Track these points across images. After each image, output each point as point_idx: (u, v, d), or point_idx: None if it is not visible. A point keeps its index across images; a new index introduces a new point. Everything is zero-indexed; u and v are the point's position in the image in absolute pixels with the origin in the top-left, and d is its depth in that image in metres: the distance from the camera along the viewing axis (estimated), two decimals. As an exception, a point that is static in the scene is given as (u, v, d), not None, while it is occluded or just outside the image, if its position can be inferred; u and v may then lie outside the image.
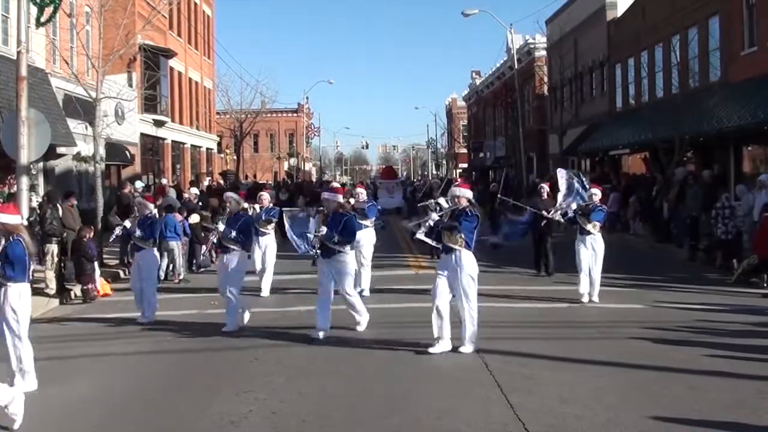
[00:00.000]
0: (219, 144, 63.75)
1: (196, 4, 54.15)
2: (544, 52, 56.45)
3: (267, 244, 17.58)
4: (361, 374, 10.42)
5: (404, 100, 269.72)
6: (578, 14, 47.21)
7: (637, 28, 38.37)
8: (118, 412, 9.05)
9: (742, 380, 9.73)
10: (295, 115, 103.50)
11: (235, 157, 62.53)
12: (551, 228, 19.18)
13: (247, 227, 13.83)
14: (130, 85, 36.96)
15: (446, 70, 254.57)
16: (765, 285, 17.02)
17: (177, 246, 20.23)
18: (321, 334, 12.44)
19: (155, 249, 15.32)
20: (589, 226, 15.67)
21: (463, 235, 11.35)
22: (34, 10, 19.10)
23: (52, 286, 17.69)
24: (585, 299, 15.61)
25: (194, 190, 29.19)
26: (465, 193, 11.75)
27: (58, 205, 19.02)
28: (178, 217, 21.02)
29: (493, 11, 59.38)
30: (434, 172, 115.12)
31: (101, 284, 18.02)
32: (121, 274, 20.78)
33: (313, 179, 77.15)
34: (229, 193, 14.82)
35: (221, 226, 13.72)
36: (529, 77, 58.69)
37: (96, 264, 18.04)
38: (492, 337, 12.03)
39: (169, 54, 44.51)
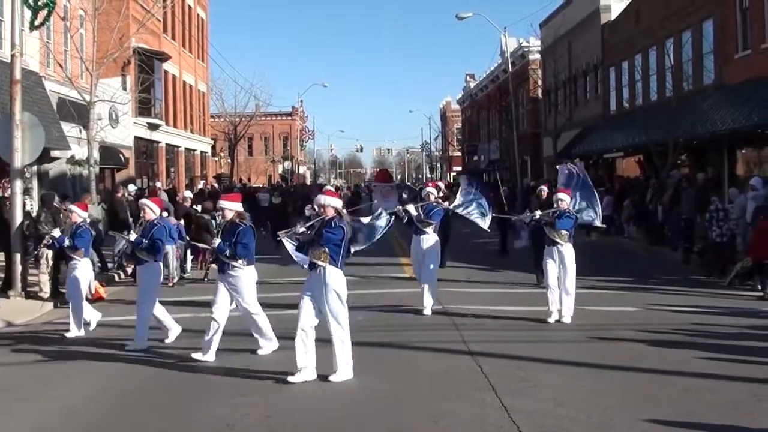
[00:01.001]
0: (213, 147, 63.73)
1: (190, 7, 54.15)
2: (538, 56, 56.56)
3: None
4: (355, 377, 10.40)
5: (399, 104, 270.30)
6: (572, 17, 47.27)
7: (631, 31, 38.46)
8: (111, 416, 9.03)
9: (736, 382, 9.74)
10: (289, 118, 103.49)
11: (229, 161, 62.57)
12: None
13: (159, 237, 12.70)
14: (124, 89, 36.97)
15: (440, 73, 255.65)
16: (759, 287, 17.02)
17: (171, 250, 20.19)
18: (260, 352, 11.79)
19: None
20: (555, 236, 14.01)
21: (327, 250, 10.21)
22: (28, 13, 19.09)
23: (46, 290, 17.66)
24: (551, 318, 13.90)
25: (188, 194, 29.19)
26: (331, 202, 10.53)
27: (52, 208, 18.96)
28: (173, 220, 20.98)
29: (488, 14, 59.44)
30: (429, 175, 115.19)
31: (96, 288, 17.98)
32: (116, 278, 20.75)
33: (308, 182, 77.17)
34: (144, 200, 13.81)
35: (133, 236, 12.85)
36: (524, 80, 58.80)
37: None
38: (486, 340, 12.03)
39: (163, 57, 44.49)
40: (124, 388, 10.20)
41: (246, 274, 11.67)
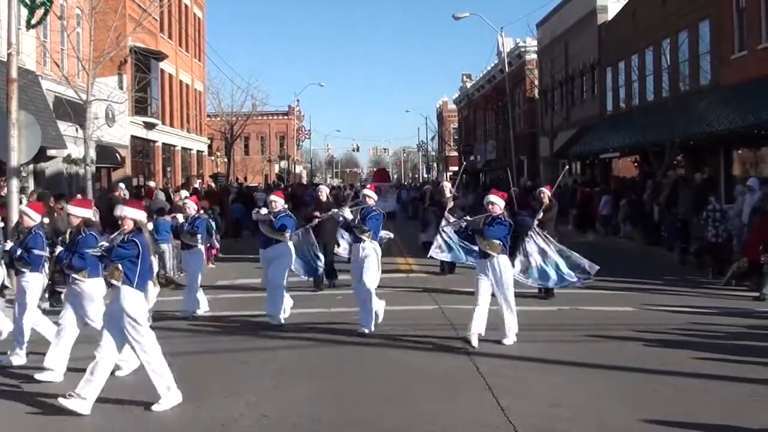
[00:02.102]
0: (210, 147, 63.66)
1: (186, 6, 54.07)
2: (534, 56, 56.59)
3: (190, 258, 15.86)
4: (352, 377, 10.41)
5: (395, 103, 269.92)
6: (569, 18, 47.30)
7: (628, 31, 38.49)
8: (107, 415, 9.01)
9: (732, 383, 9.75)
10: (285, 117, 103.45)
11: (225, 160, 62.47)
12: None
13: (33, 246, 11.46)
14: (121, 88, 36.88)
15: (437, 73, 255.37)
16: (755, 288, 17.03)
17: (168, 248, 20.19)
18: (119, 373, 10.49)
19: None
20: (486, 246, 12.26)
21: (120, 267, 9.20)
22: (24, 12, 19.07)
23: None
24: (475, 341, 11.85)
25: (184, 193, 29.16)
26: (130, 214, 9.39)
27: (49, 207, 18.94)
28: (169, 218, 20.98)
29: (484, 14, 59.27)
30: (425, 175, 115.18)
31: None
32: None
33: (304, 182, 77.11)
34: (22, 207, 13.05)
35: (9, 244, 11.69)
36: (520, 80, 58.81)
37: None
38: (483, 340, 12.02)
39: (159, 56, 44.43)
40: (118, 387, 10.17)
41: (89, 287, 10.41)
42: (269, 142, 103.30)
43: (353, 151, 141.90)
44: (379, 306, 13.51)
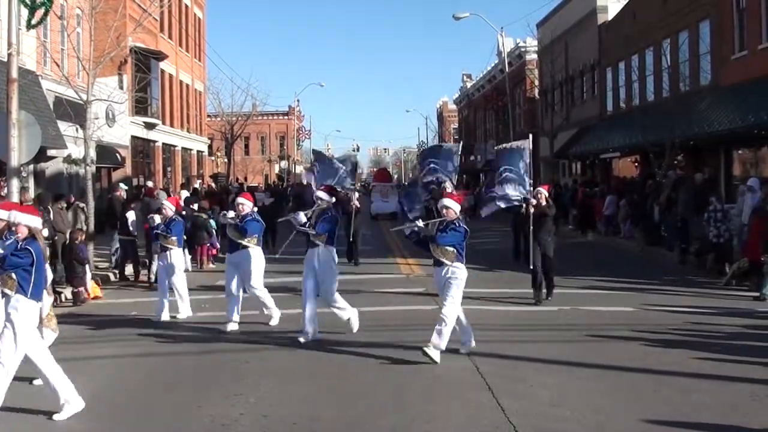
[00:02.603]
0: (210, 147, 63.71)
1: (187, 6, 54.11)
2: (535, 56, 56.59)
3: (169, 261, 15.29)
4: (352, 377, 10.41)
5: (395, 103, 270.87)
6: (569, 18, 47.30)
7: (628, 31, 38.49)
8: (107, 415, 9.02)
9: (732, 383, 9.75)
10: (286, 117, 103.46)
11: (225, 160, 62.48)
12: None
13: None
14: (121, 88, 36.88)
15: (437, 73, 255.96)
16: (755, 288, 17.02)
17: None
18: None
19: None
20: (438, 254, 11.28)
21: (14, 276, 8.61)
22: (24, 12, 19.05)
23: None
24: (436, 354, 10.89)
25: (184, 193, 29.19)
26: (23, 220, 8.83)
27: (48, 207, 18.95)
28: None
29: (485, 14, 59.31)
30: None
31: (92, 287, 17.99)
32: (111, 277, 20.74)
33: (304, 182, 77.02)
34: None
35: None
36: (520, 80, 58.81)
37: (87, 267, 18.00)
38: (483, 340, 12.03)
39: (160, 56, 44.46)
40: (119, 387, 10.19)
41: (24, 309, 8.72)
42: (269, 142, 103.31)
43: (353, 151, 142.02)
44: (352, 314, 13.09)
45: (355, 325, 13.04)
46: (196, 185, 42.83)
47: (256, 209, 14.89)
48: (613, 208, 30.21)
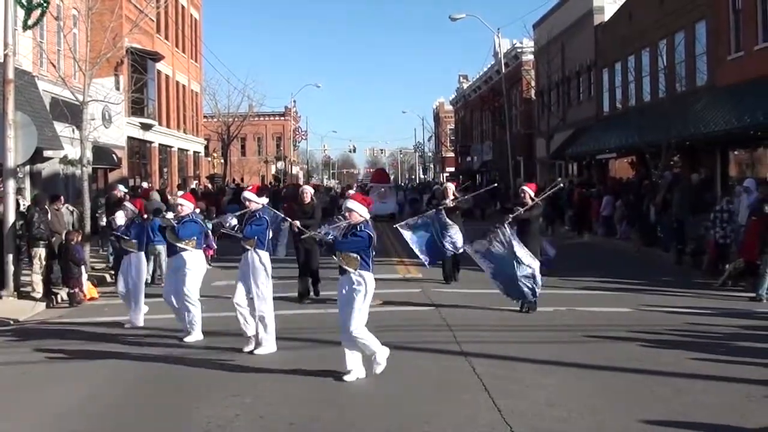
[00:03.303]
0: (206, 147, 63.69)
1: (183, 7, 54.10)
2: (531, 57, 56.66)
3: (130, 264, 14.68)
4: (348, 377, 10.40)
5: (392, 104, 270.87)
6: (565, 19, 47.36)
7: (624, 32, 38.52)
8: (103, 416, 9.01)
9: (729, 383, 9.76)
10: (282, 118, 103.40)
11: (222, 161, 62.51)
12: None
13: None
14: (118, 89, 36.90)
15: (434, 74, 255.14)
16: (751, 288, 17.03)
17: (164, 250, 20.16)
18: None
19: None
20: (342, 261, 10.34)
21: None
22: (21, 12, 19.06)
23: (39, 290, 17.63)
24: (358, 372, 10.30)
25: (180, 194, 29.10)
26: None
27: (45, 208, 18.95)
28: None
29: (481, 15, 59.46)
30: (422, 176, 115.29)
31: (88, 288, 17.98)
32: (108, 278, 20.72)
33: (300, 182, 76.97)
34: None
35: None
36: (517, 81, 58.86)
37: (83, 268, 17.98)
38: (480, 341, 12.04)
39: (156, 57, 44.44)
40: (115, 388, 10.18)
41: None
42: (266, 143, 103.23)
43: (350, 152, 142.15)
44: (269, 337, 12.03)
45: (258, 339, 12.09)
46: (193, 186, 42.80)
47: (197, 210, 14.20)
48: (611, 209, 30.23)
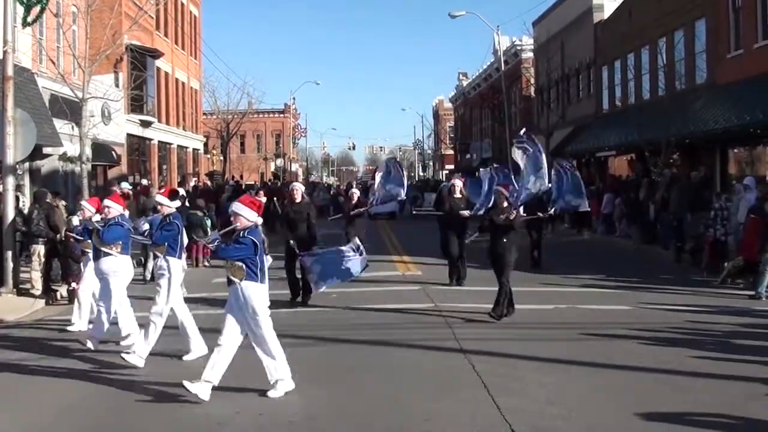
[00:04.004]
0: (205, 145, 63.67)
1: (183, 4, 54.06)
2: (530, 54, 56.66)
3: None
4: (348, 376, 10.41)
5: (391, 102, 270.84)
6: (565, 16, 47.34)
7: (624, 30, 38.51)
8: (105, 411, 9.02)
9: (728, 381, 9.77)
10: (281, 115, 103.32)
11: (221, 158, 62.48)
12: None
13: None
14: (117, 86, 36.87)
15: (433, 71, 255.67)
16: (750, 286, 17.03)
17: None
18: None
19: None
20: (228, 270, 9.55)
21: None
22: (20, 9, 19.05)
23: (38, 287, 17.61)
24: (203, 393, 9.15)
25: (180, 191, 29.09)
26: None
27: (45, 205, 18.93)
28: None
29: (481, 13, 59.46)
30: (421, 173, 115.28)
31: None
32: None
33: (300, 180, 76.94)
34: None
35: None
36: (516, 79, 58.84)
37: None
38: (479, 338, 12.04)
39: (155, 54, 44.42)
40: (115, 383, 10.17)
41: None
42: (265, 140, 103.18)
43: (349, 149, 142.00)
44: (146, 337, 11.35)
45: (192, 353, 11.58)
46: (192, 183, 42.79)
47: (127, 213, 13.32)
48: (612, 207, 30.23)
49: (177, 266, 11.55)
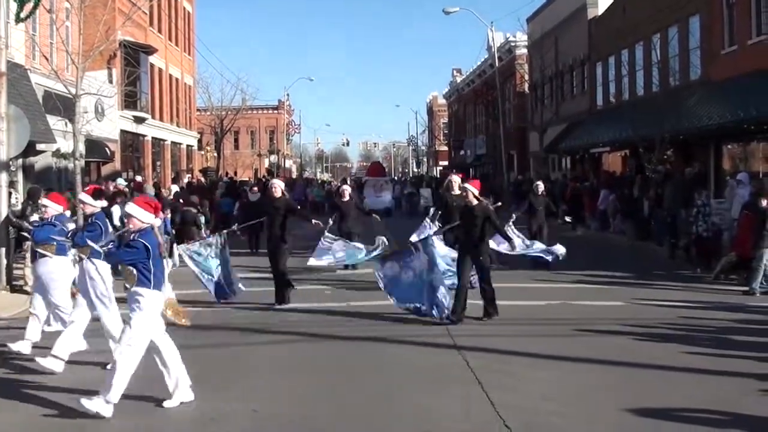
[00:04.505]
0: (199, 141, 63.57)
1: (176, 0, 53.96)
2: (525, 50, 56.64)
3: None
4: (343, 372, 10.41)
5: (385, 98, 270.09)
6: (559, 12, 47.33)
7: (618, 26, 38.50)
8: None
9: (722, 377, 9.79)
10: (275, 112, 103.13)
11: (215, 155, 62.38)
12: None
13: None
14: (111, 82, 36.78)
15: (427, 68, 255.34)
16: (743, 282, 17.06)
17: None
18: None
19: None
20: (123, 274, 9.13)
21: None
22: (13, 5, 18.99)
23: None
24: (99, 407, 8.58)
25: (174, 187, 29.07)
26: None
27: (39, 202, 18.89)
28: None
29: (475, 9, 59.56)
30: (415, 169, 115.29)
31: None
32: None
33: (294, 176, 76.88)
34: None
35: None
36: (510, 75, 58.82)
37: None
38: (473, 335, 12.04)
39: (149, 50, 44.34)
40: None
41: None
42: (259, 137, 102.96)
43: (343, 145, 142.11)
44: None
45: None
46: (186, 179, 42.74)
47: (68, 212, 12.85)
48: (607, 203, 30.26)
49: (105, 267, 10.92)
